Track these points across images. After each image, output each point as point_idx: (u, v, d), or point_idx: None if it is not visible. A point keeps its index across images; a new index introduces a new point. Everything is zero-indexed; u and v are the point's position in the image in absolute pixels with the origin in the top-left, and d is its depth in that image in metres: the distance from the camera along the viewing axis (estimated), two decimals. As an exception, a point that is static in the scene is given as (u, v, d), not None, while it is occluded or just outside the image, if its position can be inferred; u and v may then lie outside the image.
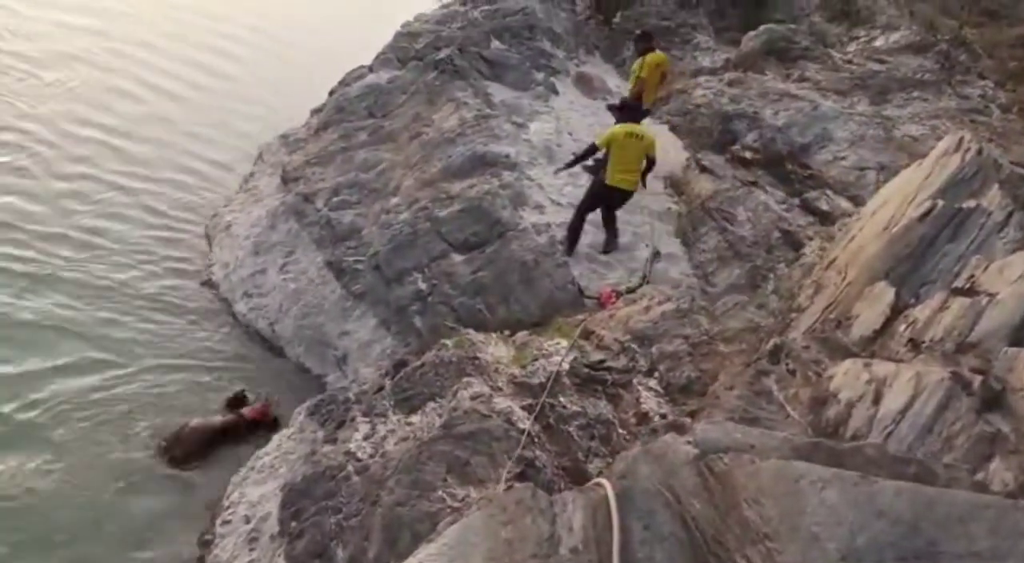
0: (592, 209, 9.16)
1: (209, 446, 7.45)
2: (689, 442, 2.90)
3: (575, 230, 9.08)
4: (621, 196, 9.01)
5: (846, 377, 3.76)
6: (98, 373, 8.07)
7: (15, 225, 10.19)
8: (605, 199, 9.08)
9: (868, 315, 4.24)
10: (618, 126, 8.91)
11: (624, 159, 8.73)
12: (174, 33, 19.69)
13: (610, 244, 9.31)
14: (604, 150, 8.79)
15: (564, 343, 6.82)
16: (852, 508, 2.47)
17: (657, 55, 10.06)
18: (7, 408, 7.29)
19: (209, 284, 10.14)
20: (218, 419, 7.69)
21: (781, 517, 2.51)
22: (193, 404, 8.00)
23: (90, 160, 12.47)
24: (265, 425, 7.80)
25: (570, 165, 9.39)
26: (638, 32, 10.33)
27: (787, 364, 4.21)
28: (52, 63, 15.60)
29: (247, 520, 6.33)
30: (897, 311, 4.12)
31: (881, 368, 3.70)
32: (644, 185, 9.19)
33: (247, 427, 7.73)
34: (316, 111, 13.38)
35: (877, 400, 3.53)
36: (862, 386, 3.64)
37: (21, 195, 10.97)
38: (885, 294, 4.24)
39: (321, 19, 24.77)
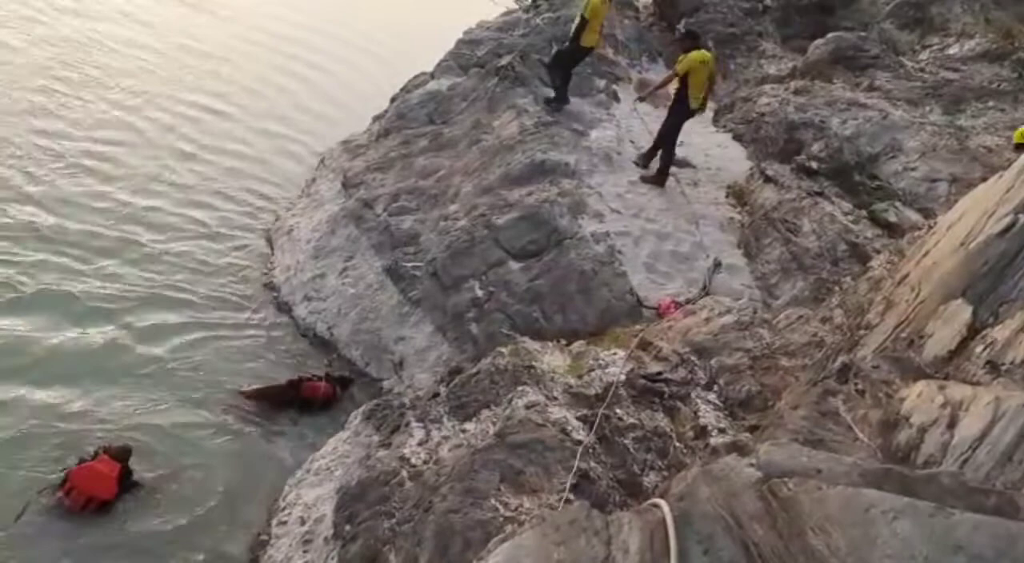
0: (571, 66, 11.69)
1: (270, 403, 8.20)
2: (752, 464, 2.79)
3: (566, 81, 11.75)
4: (589, 53, 11.71)
5: (919, 400, 3.58)
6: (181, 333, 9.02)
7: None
8: (581, 58, 11.67)
9: (943, 334, 4.04)
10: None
11: (595, 24, 11.17)
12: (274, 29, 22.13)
13: (562, 102, 11.78)
14: (580, 20, 11.11)
15: (621, 353, 6.72)
16: (927, 541, 2.33)
17: (702, 53, 10.01)
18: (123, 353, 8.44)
19: (271, 287, 10.34)
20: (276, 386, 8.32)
21: (850, 548, 2.39)
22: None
23: (186, 136, 14.02)
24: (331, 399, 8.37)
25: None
26: (682, 31, 10.42)
27: (856, 384, 4.04)
28: (164, 49, 17.89)
29: (302, 522, 6.40)
30: (974, 331, 3.92)
31: (957, 391, 3.52)
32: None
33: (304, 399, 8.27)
34: (378, 117, 13.55)
35: (952, 425, 3.35)
36: (936, 410, 3.46)
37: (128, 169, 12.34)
38: (961, 313, 4.03)
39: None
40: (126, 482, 6.63)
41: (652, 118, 12.05)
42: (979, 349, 3.82)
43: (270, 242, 11.40)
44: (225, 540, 6.62)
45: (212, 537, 6.61)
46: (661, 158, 10.50)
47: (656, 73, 14.47)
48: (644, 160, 10.78)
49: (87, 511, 6.39)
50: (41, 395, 7.45)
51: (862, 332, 4.70)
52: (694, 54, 9.92)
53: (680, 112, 10.29)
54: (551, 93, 11.88)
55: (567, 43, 11.61)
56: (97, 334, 8.49)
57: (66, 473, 6.47)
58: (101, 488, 6.40)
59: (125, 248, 10.15)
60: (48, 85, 13.92)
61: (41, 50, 15.27)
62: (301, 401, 8.20)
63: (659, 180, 10.45)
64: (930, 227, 6.01)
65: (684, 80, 9.98)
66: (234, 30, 20.93)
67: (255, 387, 8.23)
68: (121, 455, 6.65)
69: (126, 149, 12.81)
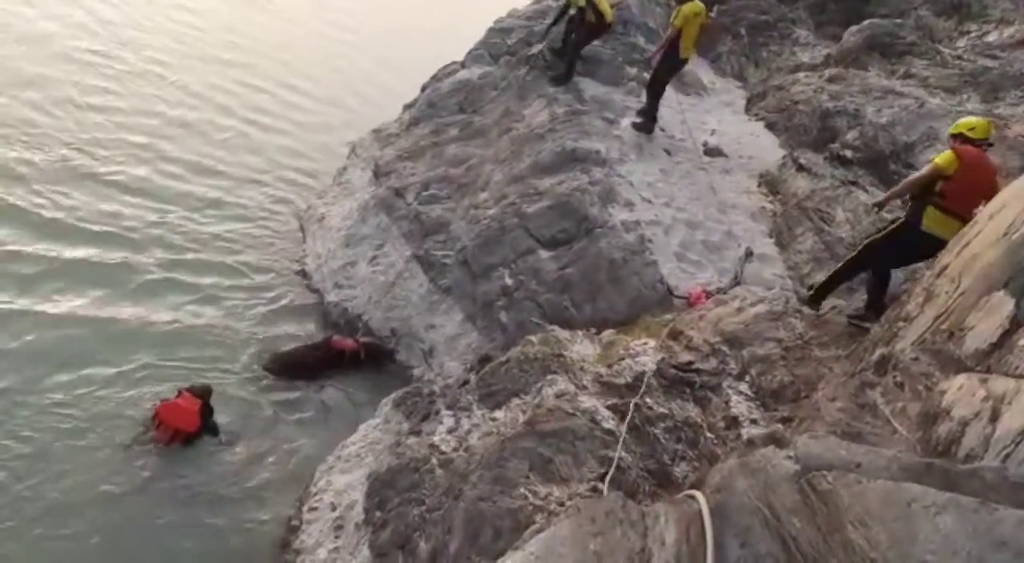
0: (585, 45, 11.85)
1: (303, 367, 8.75)
2: (790, 457, 2.75)
3: (573, 64, 11.86)
4: (607, 29, 11.82)
5: (960, 393, 3.50)
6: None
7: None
8: (597, 35, 11.81)
9: (984, 327, 3.94)
10: None
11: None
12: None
13: (571, 71, 12.03)
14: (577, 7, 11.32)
15: (651, 343, 6.69)
16: (970, 537, 2.29)
17: (694, 4, 10.19)
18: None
19: (303, 273, 10.43)
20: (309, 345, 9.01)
21: (891, 543, 2.36)
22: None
23: (221, 125, 14.65)
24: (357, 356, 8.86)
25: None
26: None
27: (894, 376, 3.96)
28: (211, 42, 19.06)
29: (333, 508, 6.47)
30: (1017, 323, 3.81)
31: (999, 384, 3.44)
32: None
33: (338, 357, 8.80)
34: (408, 106, 13.55)
35: (994, 418, 3.27)
36: (978, 403, 3.38)
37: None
38: (1003, 305, 3.93)
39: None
40: (208, 418, 7.42)
41: (682, 106, 11.94)
42: (1022, 342, 3.74)
43: (302, 229, 11.50)
44: (257, 527, 6.78)
45: (247, 511, 6.91)
46: (648, 104, 11.11)
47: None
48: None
49: (175, 443, 7.23)
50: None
51: (900, 324, 4.61)
52: (687, 6, 10.31)
53: (670, 62, 10.73)
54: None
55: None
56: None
57: (155, 410, 7.33)
58: (185, 421, 7.24)
59: (161, 246, 10.30)
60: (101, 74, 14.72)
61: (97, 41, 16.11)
62: (331, 356, 8.75)
63: (646, 127, 11.05)
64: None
65: (678, 32, 10.36)
66: (272, 23, 21.69)
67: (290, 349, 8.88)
68: (201, 392, 7.47)
69: (162, 140, 13.08)
